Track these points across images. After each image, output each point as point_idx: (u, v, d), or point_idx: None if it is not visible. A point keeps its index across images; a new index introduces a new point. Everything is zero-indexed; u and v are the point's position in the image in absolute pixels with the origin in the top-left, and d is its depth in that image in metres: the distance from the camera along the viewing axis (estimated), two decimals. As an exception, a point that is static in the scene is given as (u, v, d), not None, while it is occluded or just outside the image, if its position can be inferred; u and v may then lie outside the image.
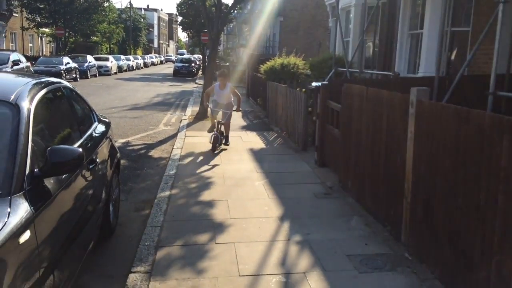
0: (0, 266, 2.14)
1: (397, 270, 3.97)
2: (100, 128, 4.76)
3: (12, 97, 3.01)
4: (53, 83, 3.85)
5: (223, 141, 9.03)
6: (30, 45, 37.95)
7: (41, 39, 39.55)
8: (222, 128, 8.92)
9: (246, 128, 11.88)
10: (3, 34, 32.02)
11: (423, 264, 4.01)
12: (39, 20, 34.28)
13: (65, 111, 3.98)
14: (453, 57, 9.86)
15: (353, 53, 12.33)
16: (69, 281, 3.04)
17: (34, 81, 3.53)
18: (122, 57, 42.16)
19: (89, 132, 4.23)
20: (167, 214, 5.32)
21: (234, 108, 9.24)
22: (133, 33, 59.71)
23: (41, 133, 3.15)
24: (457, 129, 3.44)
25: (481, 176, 3.15)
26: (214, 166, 7.66)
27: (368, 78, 10.89)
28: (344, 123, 6.23)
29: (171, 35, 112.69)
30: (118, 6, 55.71)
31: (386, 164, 4.84)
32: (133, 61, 45.14)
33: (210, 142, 8.71)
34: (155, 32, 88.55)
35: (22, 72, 15.84)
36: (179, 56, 53.07)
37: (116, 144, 5.82)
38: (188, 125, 12.00)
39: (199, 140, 9.84)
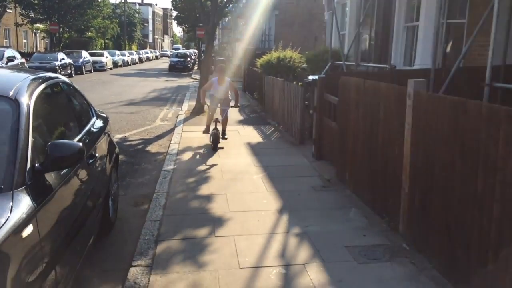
0: (4, 260, 2.16)
1: (396, 261, 4.01)
2: (99, 123, 4.76)
3: (12, 92, 3.01)
4: (51, 78, 3.85)
5: (221, 136, 8.77)
6: (24, 41, 37.73)
7: (35, 35, 39.33)
8: (219, 126, 8.65)
9: (243, 122, 11.89)
10: (-3, 31, 31.82)
11: (421, 254, 4.06)
12: (33, 16, 34.05)
13: (64, 106, 3.99)
14: (448, 49, 9.88)
15: (349, 46, 12.34)
16: (70, 275, 3.06)
17: (33, 76, 3.53)
18: (117, 52, 41.94)
19: (87, 127, 4.24)
20: (166, 209, 5.34)
21: (232, 104, 9.08)
22: (127, 28, 59.41)
23: (40, 128, 3.16)
24: (455, 119, 3.47)
25: (478, 165, 3.18)
26: (212, 160, 7.67)
27: (364, 71, 10.91)
28: (342, 115, 6.25)
29: (166, 30, 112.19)
30: (112, 1, 55.22)
31: (384, 156, 4.87)
32: (128, 56, 44.93)
33: (210, 142, 8.49)
34: (150, 27, 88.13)
35: (20, 68, 15.79)
36: (174, 51, 52.88)
37: (114, 140, 5.83)
38: (185, 120, 11.99)
39: (197, 134, 9.84)
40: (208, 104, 8.89)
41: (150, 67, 43.65)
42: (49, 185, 2.82)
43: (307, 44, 23.35)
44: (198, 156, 7.96)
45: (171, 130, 10.70)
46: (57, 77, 4.11)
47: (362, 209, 5.28)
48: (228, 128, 9.33)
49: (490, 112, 3.03)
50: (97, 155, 4.09)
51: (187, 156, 7.98)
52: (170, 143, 9.05)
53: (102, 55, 35.26)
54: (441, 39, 8.93)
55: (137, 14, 66.78)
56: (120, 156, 6.52)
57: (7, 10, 32.92)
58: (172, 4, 42.52)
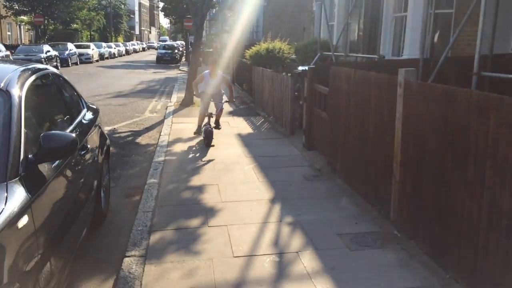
0: (0, 251, 2.15)
1: (387, 247, 4.08)
2: (89, 114, 4.73)
3: (2, 84, 2.98)
4: (40, 69, 3.80)
5: (210, 127, 8.13)
6: (9, 33, 37.07)
7: (20, 27, 38.64)
8: (212, 121, 8.20)
9: (233, 113, 11.87)
10: (-20, 23, 31.23)
11: (412, 241, 4.12)
12: (17, 7, 33.45)
13: (54, 97, 3.96)
14: (436, 39, 9.97)
15: (338, 37, 12.37)
16: (65, 266, 3.06)
17: (22, 68, 3.48)
18: (104, 44, 41.46)
19: (79, 119, 4.21)
20: (158, 200, 5.35)
21: (226, 99, 8.77)
22: (113, 20, 58.66)
23: (32, 120, 3.13)
24: (445, 107, 3.52)
25: (469, 153, 3.23)
26: (203, 151, 7.67)
27: (353, 61, 10.95)
28: (332, 105, 6.29)
29: (152, 22, 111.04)
30: (97, -8, 54.42)
31: (375, 145, 4.92)
32: (114, 48, 44.43)
33: (203, 137, 8.01)
34: (136, 19, 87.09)
35: (7, 59, 15.53)
36: (161, 42, 52.42)
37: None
38: (174, 111, 11.94)
39: (186, 126, 9.82)
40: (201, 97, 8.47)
41: (137, 59, 43.25)
42: (42, 176, 2.81)
43: (296, 35, 23.31)
44: (188, 148, 7.95)
45: (161, 122, 10.65)
46: (47, 68, 4.06)
47: (353, 198, 5.34)
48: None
49: (481, 99, 3.08)
50: (89, 146, 4.07)
51: (177, 147, 7.96)
52: (160, 135, 9.02)
53: (88, 47, 34.85)
54: (429, 29, 9.01)
55: (123, 6, 65.89)
56: (110, 148, 6.50)
57: (-10, 2, 32.36)
58: (159, -5, 42.03)
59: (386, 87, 4.55)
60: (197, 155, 7.44)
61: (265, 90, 11.30)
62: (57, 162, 3.04)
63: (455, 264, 3.48)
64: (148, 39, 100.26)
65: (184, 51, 39.85)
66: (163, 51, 36.87)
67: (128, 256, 3.95)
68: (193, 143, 8.31)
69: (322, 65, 8.17)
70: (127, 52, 51.38)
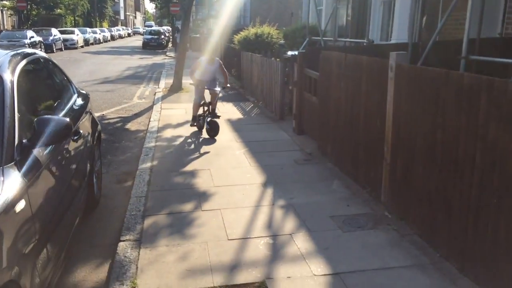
0: (-1, 235, 2.16)
1: (379, 228, 4.16)
2: (80, 100, 4.69)
3: (-7, 68, 2.94)
4: (30, 54, 3.76)
5: (212, 116, 7.62)
6: (-10, 19, 36.24)
7: (2, 12, 37.74)
8: (206, 109, 7.78)
9: (222, 99, 11.77)
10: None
11: (403, 221, 4.21)
12: (-2, -8, 32.69)
13: (46, 82, 3.92)
14: (424, 23, 10.00)
15: (326, 22, 12.35)
16: (61, 252, 3.07)
17: (12, 52, 3.44)
18: (88, 30, 40.82)
19: (70, 104, 4.18)
20: (150, 185, 5.35)
21: (219, 88, 8.12)
22: (98, 5, 57.66)
23: (25, 104, 3.10)
24: (436, 90, 3.57)
25: (459, 134, 3.30)
26: (193, 137, 7.66)
27: (342, 46, 10.96)
28: (323, 90, 6.31)
29: (137, 7, 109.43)
30: (81, -24, 53.29)
31: (366, 128, 4.97)
32: (99, 34, 43.77)
33: (206, 128, 7.57)
34: (121, 4, 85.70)
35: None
36: (147, 28, 51.73)
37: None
38: (163, 97, 11.87)
39: (176, 112, 9.79)
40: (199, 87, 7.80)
41: (122, 44, 42.70)
42: (38, 161, 2.80)
43: (284, 20, 23.21)
44: (179, 133, 7.93)
45: (150, 108, 10.59)
46: (35, 53, 4.01)
47: (344, 181, 5.41)
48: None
49: (472, 81, 3.13)
50: (81, 131, 4.05)
51: (168, 133, 7.94)
52: (149, 121, 8.97)
53: (72, 32, 34.29)
54: (418, 14, 9.03)
55: (107, -10, 64.80)
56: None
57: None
58: (144, -20, 41.37)
59: (377, 71, 4.58)
60: (188, 140, 7.44)
61: (254, 76, 11.27)
62: (51, 147, 3.03)
63: (445, 243, 3.57)
64: (133, 24, 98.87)
65: (171, 37, 39.42)
66: (149, 36, 36.46)
67: (123, 241, 3.96)
68: (183, 128, 8.29)
69: (312, 50, 8.18)
70: (113, 38, 50.68)
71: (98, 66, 20.52)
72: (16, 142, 2.66)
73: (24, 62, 3.39)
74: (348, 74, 5.32)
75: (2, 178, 2.38)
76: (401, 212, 4.27)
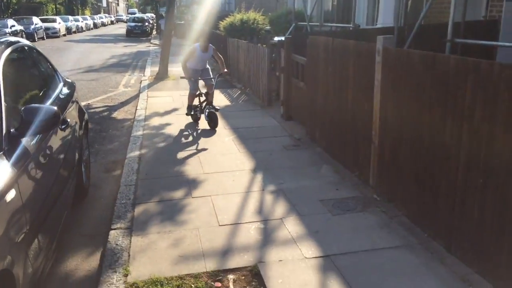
0: (-10, 224, 2.14)
1: (368, 211, 4.22)
2: (66, 88, 4.63)
3: (-23, 56, 2.89)
4: (14, 42, 3.69)
5: (212, 109, 7.22)
6: (-32, 7, 35.34)
7: (-20, 0, 36.87)
8: (203, 100, 7.48)
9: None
10: None
11: (391, 204, 4.27)
12: (-25, -21, 31.86)
13: (31, 71, 3.86)
14: (410, 7, 10.02)
15: (312, 7, 12.29)
16: (52, 241, 3.06)
17: (-4, 41, 3.38)
18: (70, 18, 40.01)
19: (56, 92, 4.13)
20: (139, 173, 5.34)
21: (214, 77, 7.62)
22: (79, -8, 56.54)
23: (11, 93, 3.06)
24: (423, 73, 3.60)
25: (446, 116, 3.34)
26: (181, 124, 7.63)
27: (328, 31, 10.95)
28: (310, 75, 6.32)
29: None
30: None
31: (354, 113, 5.00)
32: (82, 22, 42.98)
33: (206, 120, 7.26)
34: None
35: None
36: (130, 15, 50.92)
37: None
38: (149, 85, 11.77)
39: (163, 100, 9.73)
40: (192, 79, 7.35)
41: (106, 32, 42.01)
42: (26, 150, 2.77)
43: (269, 6, 23.00)
44: (166, 121, 7.89)
45: (136, 96, 10.50)
46: (19, 41, 3.94)
47: (333, 165, 5.46)
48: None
49: (459, 63, 3.17)
50: (68, 120, 4.01)
51: (155, 121, 7.89)
52: (136, 109, 8.90)
53: (54, 21, 33.62)
54: (403, -2, 9.04)
55: (88, -23, 63.50)
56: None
57: None
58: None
59: (365, 54, 4.60)
60: (176, 128, 7.40)
61: (241, 62, 11.22)
62: (39, 136, 2.99)
63: (433, 224, 3.64)
64: (116, 11, 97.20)
65: (155, 24, 38.91)
66: (133, 24, 35.90)
67: (114, 229, 3.96)
68: (171, 116, 8.25)
69: (298, 35, 8.16)
70: (95, 26, 49.82)
71: (82, 55, 20.21)
72: (4, 131, 2.63)
73: (8, 50, 3.33)
74: (336, 58, 5.34)
75: (-9, 168, 2.35)
76: (390, 194, 4.33)
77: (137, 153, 6.09)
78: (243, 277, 3.24)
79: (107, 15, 68.90)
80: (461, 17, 6.66)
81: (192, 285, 3.13)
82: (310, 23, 11.51)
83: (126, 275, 3.26)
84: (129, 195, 4.70)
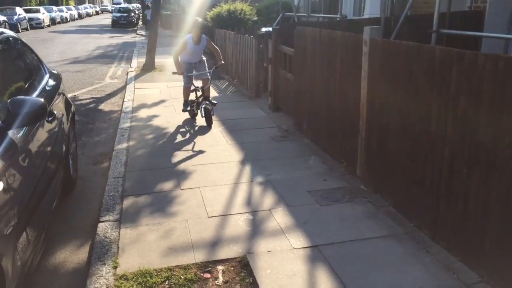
0: (-22, 218, 2.13)
1: (355, 201, 4.27)
2: (52, 80, 4.58)
3: (-39, 48, 2.85)
4: (-3, 33, 3.64)
5: (208, 104, 6.80)
6: (-52, -3, 34.50)
7: (-40, -10, 36.01)
8: (200, 95, 7.12)
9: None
10: None
11: (378, 194, 4.33)
12: (-45, -32, 31.06)
13: (16, 62, 3.81)
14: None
15: (299, -3, 12.27)
16: (40, 234, 3.05)
17: (-21, 32, 3.33)
18: (54, 8, 39.33)
19: (42, 84, 4.08)
20: (127, 165, 5.32)
21: (209, 70, 7.09)
22: (63, -18, 55.49)
23: (-4, 85, 3.03)
24: (409, 63, 3.64)
25: (432, 107, 3.39)
26: (169, 116, 7.60)
27: (316, 22, 10.95)
28: (298, 66, 6.33)
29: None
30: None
31: (341, 104, 5.04)
32: (66, 12, 42.34)
33: (202, 116, 6.84)
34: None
35: None
36: (116, 5, 50.23)
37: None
38: (136, 77, 11.67)
39: (151, 91, 9.66)
40: (185, 73, 6.94)
41: (91, 23, 41.46)
42: (14, 142, 2.75)
43: (256, -4, 22.88)
44: (154, 113, 7.85)
45: (123, 88, 10.41)
46: (3, 32, 3.89)
47: (321, 156, 5.50)
48: (181, 84, 8.91)
49: (444, 54, 3.21)
50: (55, 112, 3.98)
51: (142, 113, 7.85)
52: (123, 101, 8.84)
53: (38, 11, 33.06)
54: (390, -11, 9.07)
55: (72, -34, 62.32)
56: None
57: None
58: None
59: (352, 45, 4.62)
60: (164, 120, 7.37)
61: (229, 53, 11.18)
62: (25, 128, 2.97)
63: (419, 213, 3.70)
64: (102, 1, 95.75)
65: (141, 14, 38.48)
66: (119, 14, 35.48)
67: (103, 221, 3.96)
68: (159, 108, 8.21)
69: (286, 26, 8.15)
70: (80, 16, 49.12)
71: (67, 46, 19.95)
72: (-10, 124, 2.61)
73: (-8, 42, 3.28)
74: (323, 49, 5.35)
75: (-23, 161, 2.33)
76: (377, 185, 4.39)
77: (125, 145, 6.06)
78: (232, 268, 3.27)
79: (92, 5, 67.85)
80: (446, 8, 6.72)
81: (182, 277, 3.15)
82: (297, 14, 11.51)
83: (115, 267, 3.27)
84: (118, 187, 4.69)
